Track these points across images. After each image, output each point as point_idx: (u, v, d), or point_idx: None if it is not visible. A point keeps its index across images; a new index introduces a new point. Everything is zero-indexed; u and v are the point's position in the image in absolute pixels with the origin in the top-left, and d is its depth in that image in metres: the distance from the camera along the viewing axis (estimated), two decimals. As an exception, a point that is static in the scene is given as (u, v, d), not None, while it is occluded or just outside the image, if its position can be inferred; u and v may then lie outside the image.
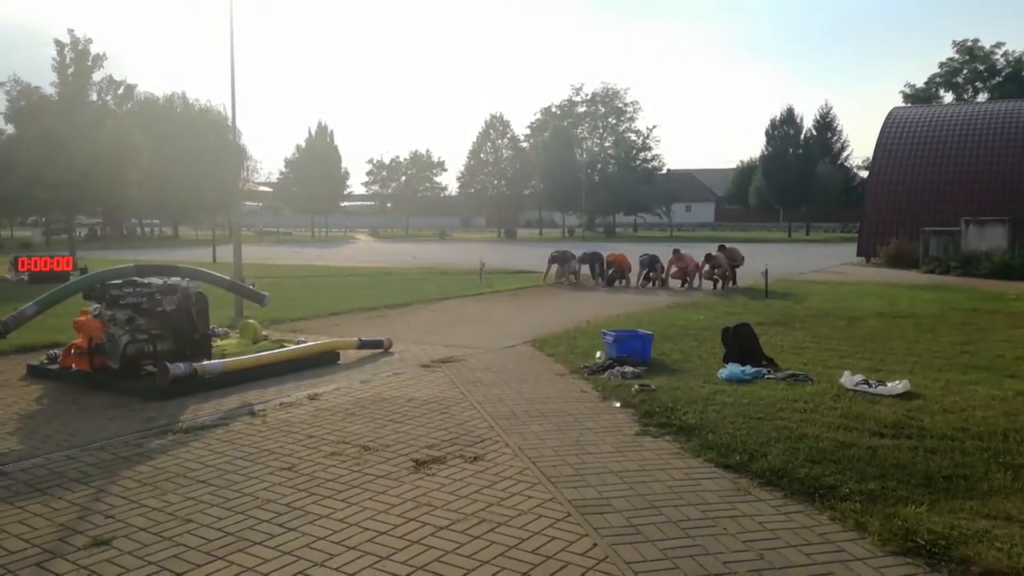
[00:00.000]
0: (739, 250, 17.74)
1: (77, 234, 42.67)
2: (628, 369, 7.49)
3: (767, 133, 60.85)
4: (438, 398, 6.81)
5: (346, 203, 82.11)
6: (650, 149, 73.60)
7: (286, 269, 24.42)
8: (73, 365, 7.55)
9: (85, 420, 6.17)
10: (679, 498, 4.37)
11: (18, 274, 19.65)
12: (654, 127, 79.74)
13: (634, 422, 5.92)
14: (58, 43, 29.46)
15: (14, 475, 4.85)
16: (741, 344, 8.01)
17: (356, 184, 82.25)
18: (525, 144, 76.30)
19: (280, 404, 6.64)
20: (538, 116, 78.75)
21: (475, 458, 5.10)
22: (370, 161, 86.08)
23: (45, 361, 8.02)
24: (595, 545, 3.75)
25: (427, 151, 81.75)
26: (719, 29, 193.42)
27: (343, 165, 72.12)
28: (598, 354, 8.31)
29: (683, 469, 4.86)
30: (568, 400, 6.68)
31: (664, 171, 75.73)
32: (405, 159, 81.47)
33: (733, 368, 7.38)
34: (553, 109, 78.08)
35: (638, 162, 71.48)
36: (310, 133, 70.64)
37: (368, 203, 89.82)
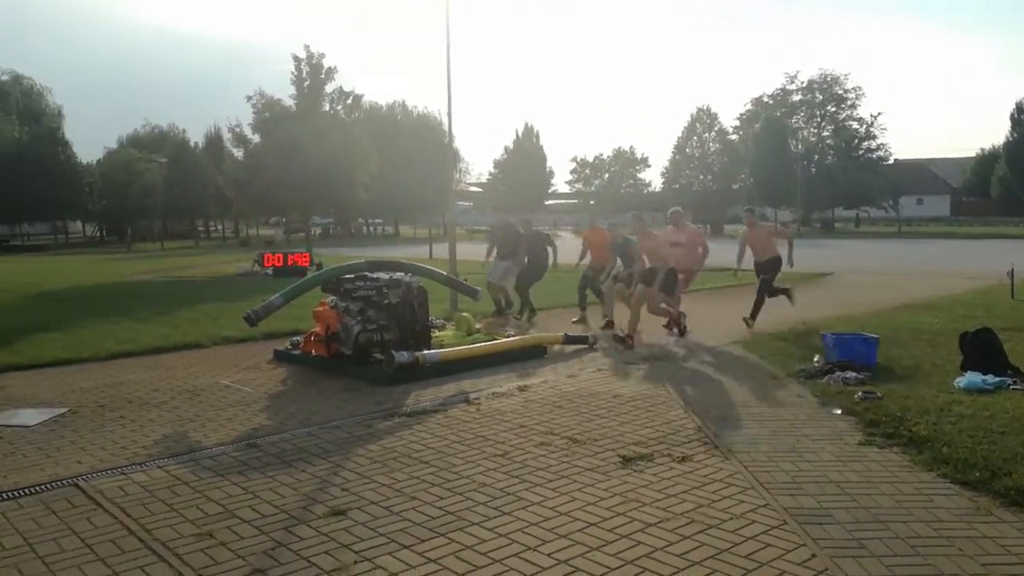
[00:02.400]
0: None
1: (312, 233, 46.94)
2: (851, 375, 7.04)
3: (1012, 117, 54.48)
4: (644, 395, 6.80)
5: (550, 201, 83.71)
6: (874, 138, 68.41)
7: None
8: (313, 351, 8.34)
9: (323, 401, 6.81)
10: (908, 514, 4.06)
11: (263, 269, 21.98)
12: (879, 114, 73.62)
13: (857, 431, 5.58)
14: (296, 58, 32.40)
15: (265, 448, 5.46)
16: (982, 351, 7.26)
17: (560, 182, 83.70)
18: (734, 137, 73.64)
19: (493, 394, 6.94)
20: (748, 107, 75.62)
21: (683, 458, 5.04)
22: (574, 159, 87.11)
23: (289, 347, 8.92)
24: (814, 556, 3.59)
25: (630, 147, 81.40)
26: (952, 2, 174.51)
27: (548, 164, 73.62)
28: (816, 358, 7.88)
29: (913, 483, 4.51)
30: (783, 404, 6.41)
31: (891, 161, 70.05)
32: (608, 156, 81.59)
33: (973, 377, 6.72)
34: (765, 99, 74.63)
35: (860, 152, 66.64)
36: (517, 134, 72.85)
37: (571, 201, 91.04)
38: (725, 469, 4.82)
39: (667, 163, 74.07)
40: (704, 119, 72.97)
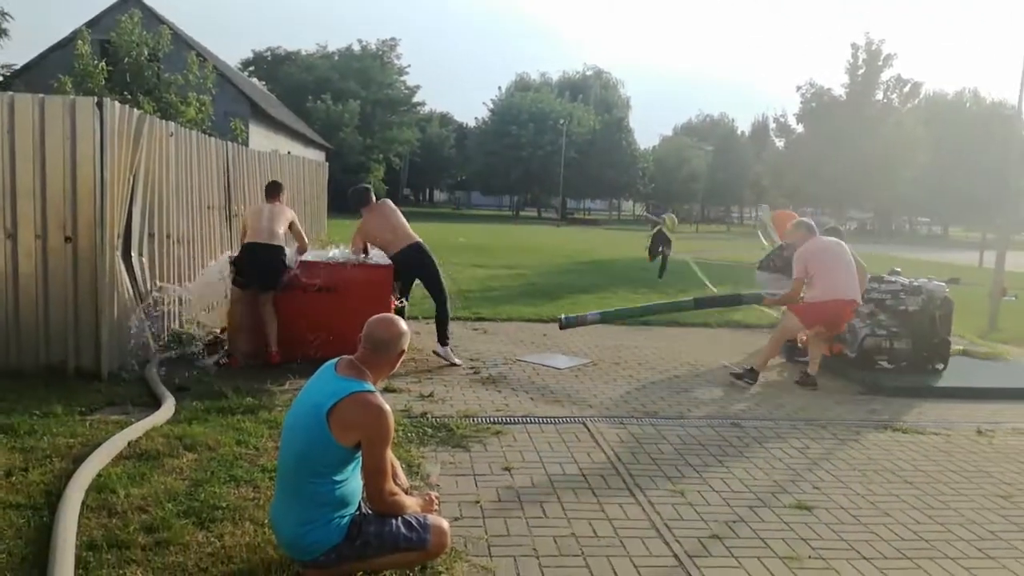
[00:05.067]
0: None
1: (846, 227, 44.97)
2: None
3: None
4: None
5: None
6: None
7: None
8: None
9: (814, 399, 6.73)
10: None
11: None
12: None
13: None
14: (854, 46, 31.18)
15: (747, 429, 5.70)
16: None
17: None
18: None
19: (1013, 429, 6.04)
20: None
21: None
22: None
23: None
24: None
25: None
26: None
27: None
28: None
29: None
30: None
31: None
32: None
33: None
34: None
35: None
36: None
37: None
38: None
39: None
40: None
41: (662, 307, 7.67)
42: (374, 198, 7.56)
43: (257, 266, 6.81)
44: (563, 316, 7.74)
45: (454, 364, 7.21)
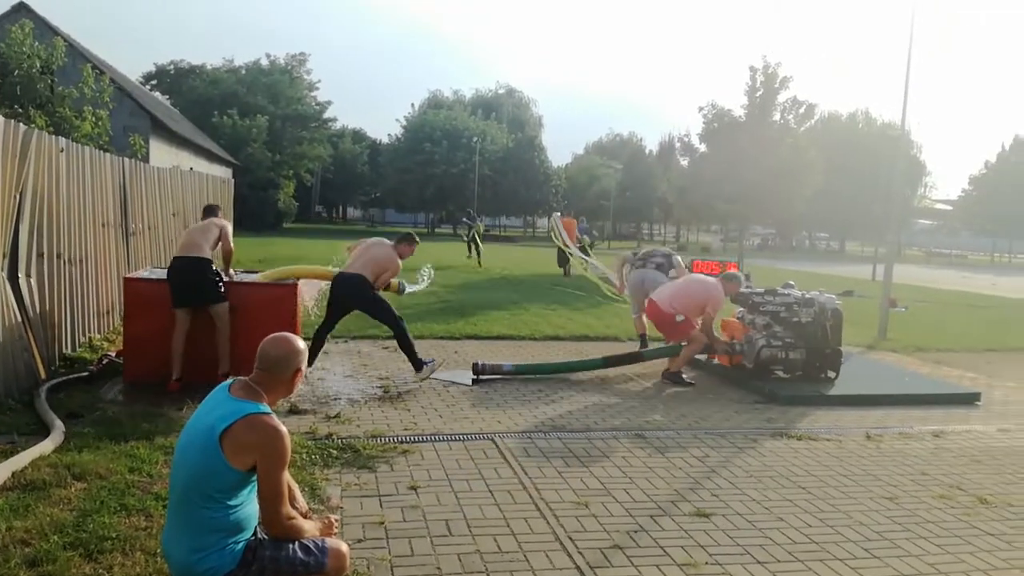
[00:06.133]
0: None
1: (749, 243, 46.76)
2: None
3: None
4: (1100, 469, 5.64)
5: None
6: None
7: (946, 295, 22.53)
8: (716, 359, 8.53)
9: (715, 408, 6.96)
10: None
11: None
12: None
13: None
14: (752, 68, 32.51)
15: (649, 439, 5.83)
16: None
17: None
18: None
19: (900, 433, 6.39)
20: None
21: None
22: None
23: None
24: None
25: None
26: None
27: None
28: None
29: None
30: None
31: None
32: None
33: None
34: None
35: None
36: (1003, 148, 62.94)
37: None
38: None
39: None
40: None
41: (573, 365, 7.97)
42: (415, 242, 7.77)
43: (183, 280, 6.62)
44: (479, 362, 7.76)
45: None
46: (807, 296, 8.10)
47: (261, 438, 2.79)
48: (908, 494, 4.92)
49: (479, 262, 14.93)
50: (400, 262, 7.43)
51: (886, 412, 7.12)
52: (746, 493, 4.80)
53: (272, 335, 3.04)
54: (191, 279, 6.61)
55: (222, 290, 6.69)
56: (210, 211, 7.41)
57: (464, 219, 25.80)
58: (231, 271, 7.34)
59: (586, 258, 15.18)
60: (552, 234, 17.72)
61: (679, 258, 9.79)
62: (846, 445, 5.98)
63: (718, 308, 7.91)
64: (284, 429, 2.85)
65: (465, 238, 18.73)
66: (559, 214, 23.43)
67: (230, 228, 7.21)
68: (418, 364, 7.29)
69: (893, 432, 6.42)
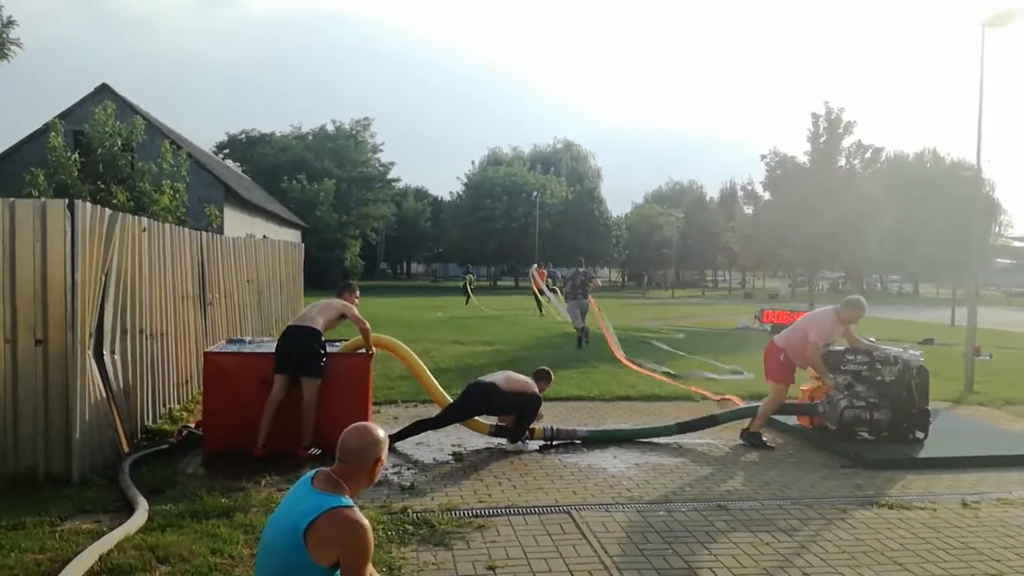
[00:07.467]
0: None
1: (819, 287, 45.66)
2: None
3: None
4: None
5: None
6: None
7: (1036, 340, 21.47)
8: (798, 420, 8.23)
9: (799, 474, 6.68)
10: None
11: (762, 325, 22.12)
12: None
13: None
14: (814, 115, 32.13)
15: (734, 512, 5.62)
16: None
17: None
18: None
19: (998, 500, 6.02)
20: None
21: None
22: None
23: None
24: None
25: None
26: None
27: None
28: None
29: None
30: None
31: None
32: None
33: None
34: None
35: None
36: (1085, 180, 60.54)
37: None
38: None
39: None
40: None
41: (647, 432, 7.83)
42: None
43: (290, 347, 6.78)
44: (550, 426, 7.64)
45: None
46: (891, 354, 7.79)
47: (344, 533, 2.78)
48: (1014, 570, 4.60)
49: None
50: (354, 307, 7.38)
51: (980, 475, 6.74)
52: (840, 572, 4.56)
53: (352, 426, 3.05)
54: (298, 348, 6.80)
55: (321, 364, 6.83)
56: (341, 288, 7.56)
57: (462, 271, 31.19)
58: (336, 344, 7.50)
59: (552, 296, 21.54)
60: (531, 282, 24.46)
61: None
62: (941, 514, 5.66)
63: (824, 334, 7.57)
64: (366, 523, 2.84)
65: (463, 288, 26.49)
66: (536, 265, 28.65)
67: (355, 310, 7.27)
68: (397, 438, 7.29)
69: (990, 498, 6.06)
